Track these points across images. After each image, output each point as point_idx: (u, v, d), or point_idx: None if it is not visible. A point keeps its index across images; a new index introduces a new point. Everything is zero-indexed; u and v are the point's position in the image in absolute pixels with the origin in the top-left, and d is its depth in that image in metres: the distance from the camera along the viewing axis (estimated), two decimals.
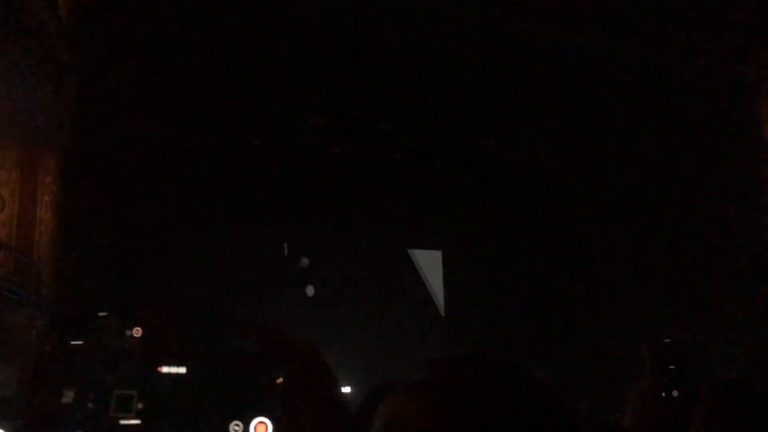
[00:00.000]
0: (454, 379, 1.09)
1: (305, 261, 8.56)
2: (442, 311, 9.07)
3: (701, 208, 7.61)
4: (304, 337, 0.97)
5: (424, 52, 7.56)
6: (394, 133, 8.40)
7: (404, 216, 8.97)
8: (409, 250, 9.22)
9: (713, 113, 7.37)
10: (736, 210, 7.39)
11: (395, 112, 8.28)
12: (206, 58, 7.16)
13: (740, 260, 7.34)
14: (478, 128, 8.48)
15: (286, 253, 8.70)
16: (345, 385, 8.06)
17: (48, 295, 5.79)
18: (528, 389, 1.10)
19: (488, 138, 8.57)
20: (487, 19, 7.40)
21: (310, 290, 8.67)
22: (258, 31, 7.20)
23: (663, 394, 2.66)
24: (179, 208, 7.64)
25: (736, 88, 7.37)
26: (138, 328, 1.65)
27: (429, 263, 9.34)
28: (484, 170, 8.77)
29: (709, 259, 7.61)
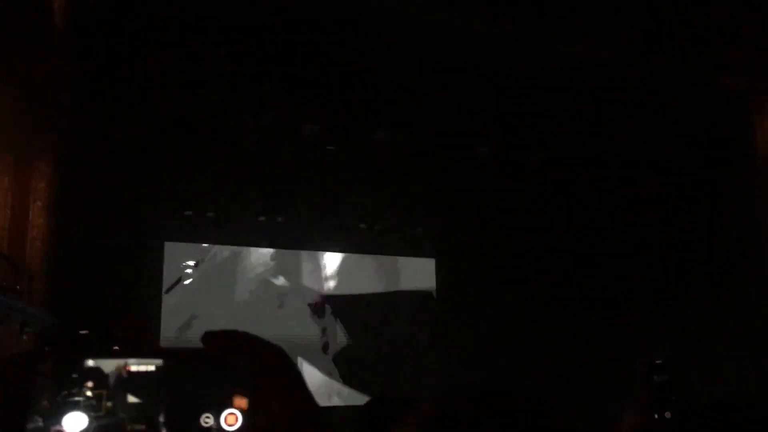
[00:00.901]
0: (459, 415, 1.11)
1: None
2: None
3: (695, 220, 7.59)
4: (270, 342, 0.97)
5: (420, 60, 7.58)
6: (390, 141, 8.40)
7: (398, 223, 8.97)
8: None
9: (706, 126, 7.36)
10: (731, 225, 7.35)
11: (391, 120, 8.29)
12: (201, 67, 7.15)
13: (737, 277, 7.28)
14: (474, 136, 8.49)
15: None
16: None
17: (40, 301, 5.76)
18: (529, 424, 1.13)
19: (482, 146, 8.59)
20: (481, 27, 7.41)
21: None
22: (252, 38, 7.20)
23: (656, 416, 2.66)
24: (171, 215, 7.64)
25: (729, 100, 7.37)
26: (116, 348, 1.63)
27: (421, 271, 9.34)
28: (479, 178, 8.78)
29: (704, 275, 7.57)
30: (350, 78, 7.68)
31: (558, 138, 8.36)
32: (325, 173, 8.22)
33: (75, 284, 6.28)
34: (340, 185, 8.40)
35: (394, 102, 8.06)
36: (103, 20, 6.47)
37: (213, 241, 8.13)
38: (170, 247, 7.93)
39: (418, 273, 9.29)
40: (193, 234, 7.91)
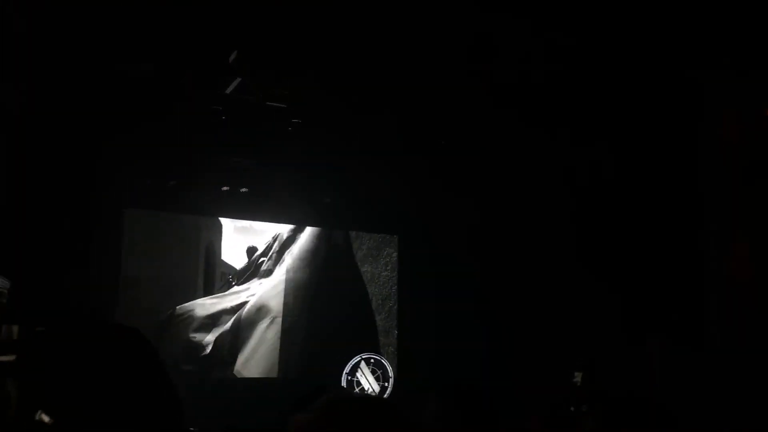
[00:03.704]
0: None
1: None
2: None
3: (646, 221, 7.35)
4: None
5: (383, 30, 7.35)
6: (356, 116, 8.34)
7: (363, 198, 8.98)
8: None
9: (657, 118, 7.15)
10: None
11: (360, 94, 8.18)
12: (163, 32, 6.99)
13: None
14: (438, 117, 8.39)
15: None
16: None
17: None
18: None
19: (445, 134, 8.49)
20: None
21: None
22: (217, 6, 7.05)
23: (572, 408, 2.74)
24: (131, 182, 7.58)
25: (682, 92, 7.15)
26: None
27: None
28: (446, 156, 8.77)
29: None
30: (317, 50, 7.56)
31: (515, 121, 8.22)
32: (290, 145, 8.17)
33: (30, 251, 6.23)
34: (306, 158, 8.36)
35: (368, 76, 7.93)
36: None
37: (174, 209, 8.08)
38: (130, 214, 7.87)
39: (381, 248, 9.34)
40: (153, 202, 7.86)
